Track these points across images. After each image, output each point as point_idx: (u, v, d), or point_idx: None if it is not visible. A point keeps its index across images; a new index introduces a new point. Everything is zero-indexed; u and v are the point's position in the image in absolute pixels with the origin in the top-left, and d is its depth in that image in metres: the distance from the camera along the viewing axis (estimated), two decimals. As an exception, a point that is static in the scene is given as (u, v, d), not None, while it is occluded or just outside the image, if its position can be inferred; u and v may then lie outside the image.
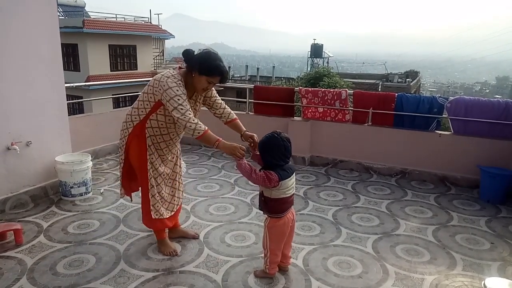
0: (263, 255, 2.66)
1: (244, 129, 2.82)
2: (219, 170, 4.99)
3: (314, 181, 4.67)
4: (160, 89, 2.52)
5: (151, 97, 2.60)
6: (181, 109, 2.46)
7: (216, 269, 2.74)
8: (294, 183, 2.52)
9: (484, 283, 2.34)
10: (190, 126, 2.45)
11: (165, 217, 2.85)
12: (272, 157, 2.41)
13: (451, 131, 4.72)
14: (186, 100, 2.52)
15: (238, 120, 2.87)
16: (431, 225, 3.54)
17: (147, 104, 2.63)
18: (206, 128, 2.49)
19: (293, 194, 2.52)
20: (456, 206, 3.99)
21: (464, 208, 3.96)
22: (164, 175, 2.84)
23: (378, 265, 2.84)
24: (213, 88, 2.82)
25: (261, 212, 2.60)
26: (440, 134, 4.67)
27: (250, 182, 2.43)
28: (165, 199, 2.87)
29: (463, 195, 4.30)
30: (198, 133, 2.46)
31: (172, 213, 2.96)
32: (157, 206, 2.79)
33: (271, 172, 2.36)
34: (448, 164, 4.61)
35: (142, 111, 2.66)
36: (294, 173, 2.52)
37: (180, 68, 2.67)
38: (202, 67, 2.55)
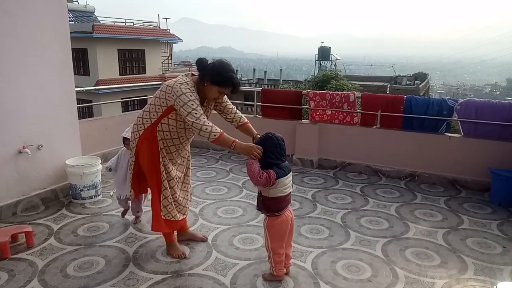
0: (267, 257, 2.66)
1: (255, 132, 2.82)
2: (227, 173, 5.00)
3: (322, 184, 4.66)
4: (173, 95, 2.54)
5: (163, 102, 2.63)
6: (195, 113, 2.48)
7: (224, 272, 2.74)
8: (291, 182, 2.55)
9: (496, 288, 2.31)
10: (206, 129, 2.47)
11: (178, 219, 2.86)
12: (269, 157, 2.45)
13: (461, 134, 4.67)
14: (199, 105, 2.54)
15: (250, 124, 2.88)
16: (441, 228, 3.50)
17: (158, 108, 2.65)
18: (221, 131, 2.52)
19: (290, 193, 2.55)
20: (467, 209, 3.94)
21: (475, 211, 3.91)
22: (176, 178, 2.86)
23: (388, 269, 2.82)
24: None
25: (260, 212, 2.63)
26: (450, 136, 4.62)
27: (252, 182, 2.46)
28: (179, 202, 2.89)
29: (474, 198, 4.25)
30: (215, 135, 2.48)
31: (184, 216, 2.99)
32: (169, 208, 2.81)
33: (269, 171, 2.40)
34: (458, 167, 4.56)
35: (153, 115, 2.68)
36: (291, 172, 2.54)
37: (193, 75, 2.70)
38: (215, 78, 2.58)
